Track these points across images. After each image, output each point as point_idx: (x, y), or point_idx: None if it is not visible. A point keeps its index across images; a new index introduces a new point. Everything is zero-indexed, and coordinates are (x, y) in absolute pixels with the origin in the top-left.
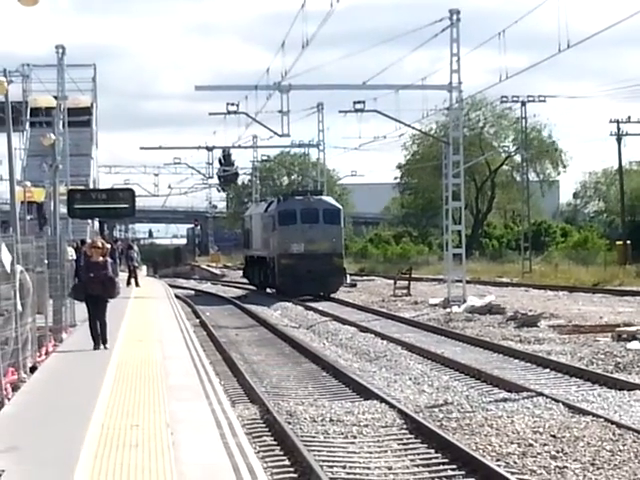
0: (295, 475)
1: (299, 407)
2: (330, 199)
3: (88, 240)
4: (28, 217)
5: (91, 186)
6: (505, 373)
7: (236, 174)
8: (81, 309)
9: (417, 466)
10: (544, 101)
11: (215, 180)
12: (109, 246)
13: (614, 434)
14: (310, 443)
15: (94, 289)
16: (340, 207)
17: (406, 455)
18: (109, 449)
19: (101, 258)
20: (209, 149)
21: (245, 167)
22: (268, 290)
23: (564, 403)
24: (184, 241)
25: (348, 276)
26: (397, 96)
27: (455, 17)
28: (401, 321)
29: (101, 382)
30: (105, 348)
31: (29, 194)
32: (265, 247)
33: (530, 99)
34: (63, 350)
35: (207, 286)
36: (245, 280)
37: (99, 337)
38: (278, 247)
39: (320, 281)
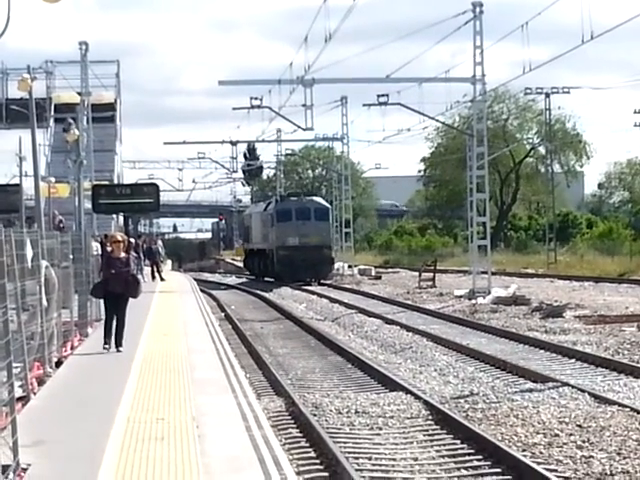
0: (321, 467)
1: (325, 399)
2: (320, 199)
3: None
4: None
5: (115, 181)
6: (531, 364)
7: (260, 168)
8: None
9: (443, 457)
10: (568, 93)
11: (239, 174)
12: (131, 240)
13: None
14: (336, 435)
15: (115, 287)
16: (329, 206)
17: (432, 446)
18: (135, 442)
19: (123, 254)
20: (233, 143)
21: (269, 161)
22: (267, 278)
23: (590, 393)
24: (209, 235)
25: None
26: (420, 89)
27: (478, 9)
28: (426, 313)
29: (126, 376)
30: (118, 351)
31: (53, 190)
32: (264, 241)
33: (554, 91)
34: (88, 344)
35: (232, 280)
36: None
37: (112, 336)
38: (276, 240)
39: (312, 269)
